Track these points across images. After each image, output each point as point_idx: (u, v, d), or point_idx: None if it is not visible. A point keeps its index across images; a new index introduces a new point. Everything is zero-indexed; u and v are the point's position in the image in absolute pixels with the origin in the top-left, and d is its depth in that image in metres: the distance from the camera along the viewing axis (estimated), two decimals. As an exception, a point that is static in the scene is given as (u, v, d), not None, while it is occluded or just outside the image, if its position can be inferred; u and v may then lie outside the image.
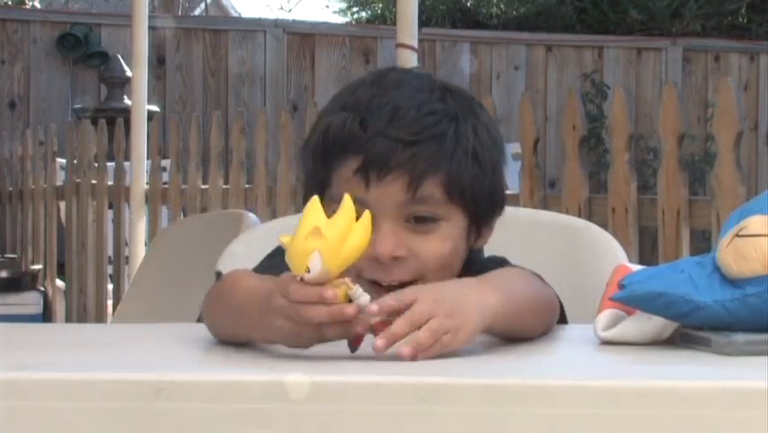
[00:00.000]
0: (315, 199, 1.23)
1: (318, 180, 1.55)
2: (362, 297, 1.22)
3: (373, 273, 1.51)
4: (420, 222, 1.52)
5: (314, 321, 1.21)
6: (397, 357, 1.20)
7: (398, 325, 1.22)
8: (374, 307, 1.22)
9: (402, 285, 1.47)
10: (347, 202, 1.22)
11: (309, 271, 1.19)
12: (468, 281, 1.36)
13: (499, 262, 1.62)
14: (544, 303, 1.44)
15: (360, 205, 1.49)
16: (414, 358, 1.20)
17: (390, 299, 1.24)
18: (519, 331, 1.37)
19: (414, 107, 1.52)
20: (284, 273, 1.25)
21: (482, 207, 1.57)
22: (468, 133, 1.54)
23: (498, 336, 1.35)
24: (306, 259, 1.19)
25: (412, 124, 1.51)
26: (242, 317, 1.32)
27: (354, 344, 1.24)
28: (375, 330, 1.23)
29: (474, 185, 1.53)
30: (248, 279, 1.40)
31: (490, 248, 1.66)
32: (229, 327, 1.36)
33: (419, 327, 1.22)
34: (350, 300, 1.21)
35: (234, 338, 1.35)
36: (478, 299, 1.29)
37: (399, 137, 1.50)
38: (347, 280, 1.22)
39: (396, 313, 1.23)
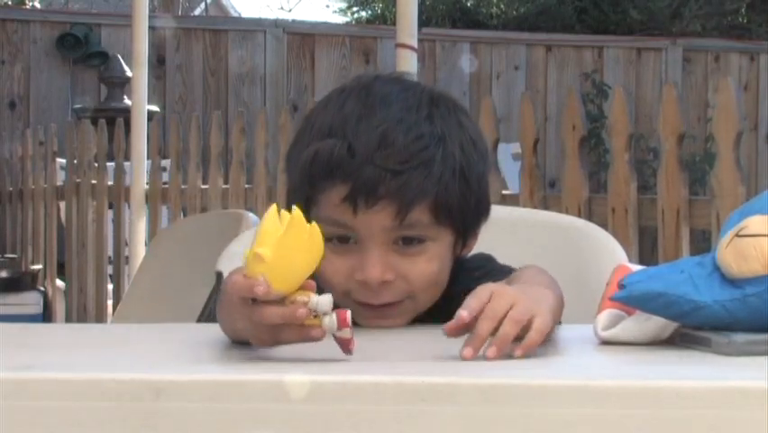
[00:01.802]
0: (272, 211, 1.21)
1: (304, 198, 1.54)
2: (321, 303, 1.20)
3: (363, 297, 1.52)
4: (407, 243, 1.52)
5: (267, 323, 1.20)
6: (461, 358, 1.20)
7: (482, 327, 1.21)
8: (464, 313, 1.22)
9: (390, 306, 1.52)
10: (295, 217, 1.20)
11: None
12: (525, 285, 1.37)
13: (486, 260, 1.63)
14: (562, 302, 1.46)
15: (347, 230, 1.50)
16: (499, 354, 1.20)
17: (472, 302, 1.23)
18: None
19: (401, 132, 1.50)
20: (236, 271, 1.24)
21: (469, 220, 1.57)
22: (455, 152, 1.52)
23: None
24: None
25: (400, 151, 1.49)
26: (222, 314, 1.34)
27: (345, 348, 1.23)
28: (338, 342, 1.22)
29: (461, 203, 1.53)
30: (236, 274, 1.41)
31: (490, 248, 1.66)
32: (222, 324, 1.37)
33: (500, 322, 1.22)
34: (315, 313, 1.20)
35: (229, 336, 1.36)
36: (543, 295, 1.31)
37: (387, 166, 1.48)
38: (303, 294, 1.20)
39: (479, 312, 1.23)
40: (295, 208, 1.21)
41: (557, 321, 1.36)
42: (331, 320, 1.20)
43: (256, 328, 1.21)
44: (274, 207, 1.21)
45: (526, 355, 1.21)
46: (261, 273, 1.17)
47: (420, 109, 1.53)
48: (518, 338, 1.23)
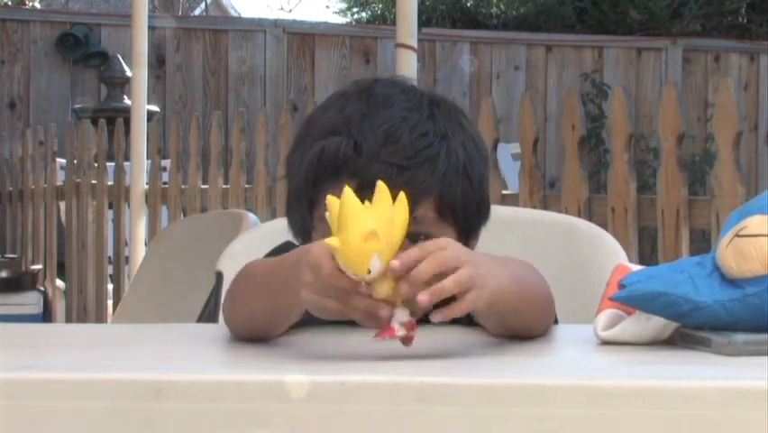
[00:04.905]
0: (349, 192, 1.22)
1: (308, 200, 1.55)
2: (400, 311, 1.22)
3: None
4: (413, 241, 1.53)
5: (358, 309, 1.21)
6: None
7: (425, 266, 1.21)
8: (396, 263, 1.20)
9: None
10: (382, 191, 1.22)
11: (370, 273, 1.20)
12: (480, 252, 1.36)
13: None
14: (546, 299, 1.44)
15: None
16: (430, 304, 1.20)
17: (414, 251, 1.22)
18: (520, 320, 1.36)
19: (406, 129, 1.52)
20: (317, 243, 1.25)
21: (471, 220, 1.58)
22: (458, 151, 1.54)
23: (499, 321, 1.34)
24: (367, 261, 1.20)
25: (406, 148, 1.51)
26: (268, 284, 1.34)
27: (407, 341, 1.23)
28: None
29: (464, 201, 1.55)
30: (269, 259, 1.43)
31: (490, 248, 1.66)
32: (250, 301, 1.36)
33: (446, 274, 1.21)
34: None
35: (258, 310, 1.35)
36: (492, 266, 1.30)
37: (394, 162, 1.50)
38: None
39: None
40: (380, 183, 1.23)
41: (507, 295, 1.32)
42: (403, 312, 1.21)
43: (326, 301, 1.22)
44: (349, 189, 1.23)
45: (442, 319, 1.21)
46: (376, 252, 1.19)
47: (422, 109, 1.55)
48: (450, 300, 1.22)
